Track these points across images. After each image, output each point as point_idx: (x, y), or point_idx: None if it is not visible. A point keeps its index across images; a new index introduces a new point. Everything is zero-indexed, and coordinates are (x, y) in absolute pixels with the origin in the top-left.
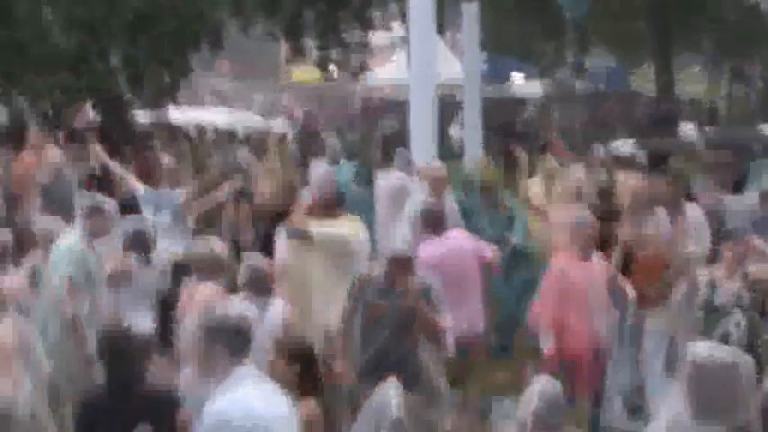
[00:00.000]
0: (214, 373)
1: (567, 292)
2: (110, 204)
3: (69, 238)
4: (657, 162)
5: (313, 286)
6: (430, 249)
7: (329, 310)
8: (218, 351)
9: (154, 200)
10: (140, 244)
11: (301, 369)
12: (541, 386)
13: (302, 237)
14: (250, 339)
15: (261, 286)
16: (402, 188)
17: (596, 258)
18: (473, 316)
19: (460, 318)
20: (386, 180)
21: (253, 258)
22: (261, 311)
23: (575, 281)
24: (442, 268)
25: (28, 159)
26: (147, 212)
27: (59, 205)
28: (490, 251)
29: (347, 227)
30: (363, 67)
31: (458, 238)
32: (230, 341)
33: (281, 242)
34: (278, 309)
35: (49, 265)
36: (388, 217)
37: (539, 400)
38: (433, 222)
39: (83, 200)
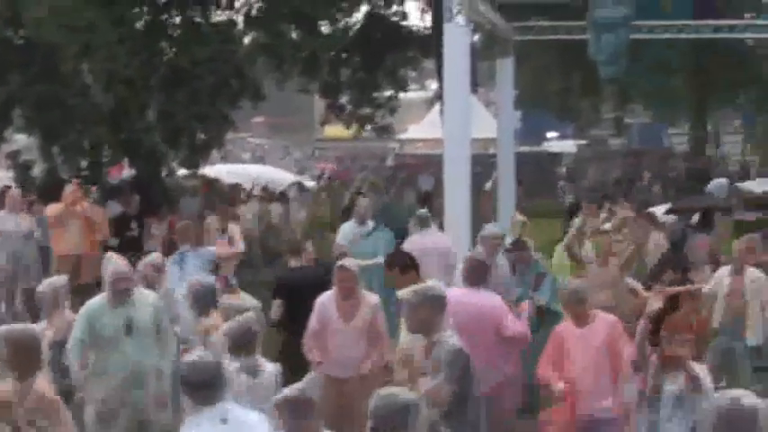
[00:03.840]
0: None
1: (562, 355)
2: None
3: (94, 299)
4: (707, 221)
5: None
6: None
7: None
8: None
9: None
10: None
11: None
12: None
13: None
14: (214, 387)
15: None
16: (449, 251)
17: (603, 321)
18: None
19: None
20: (428, 239)
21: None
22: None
23: (570, 344)
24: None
25: (50, 212)
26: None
27: None
28: (512, 327)
29: None
30: (397, 127)
31: (485, 297)
32: (191, 390)
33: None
34: (270, 369)
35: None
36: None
37: None
38: (475, 275)
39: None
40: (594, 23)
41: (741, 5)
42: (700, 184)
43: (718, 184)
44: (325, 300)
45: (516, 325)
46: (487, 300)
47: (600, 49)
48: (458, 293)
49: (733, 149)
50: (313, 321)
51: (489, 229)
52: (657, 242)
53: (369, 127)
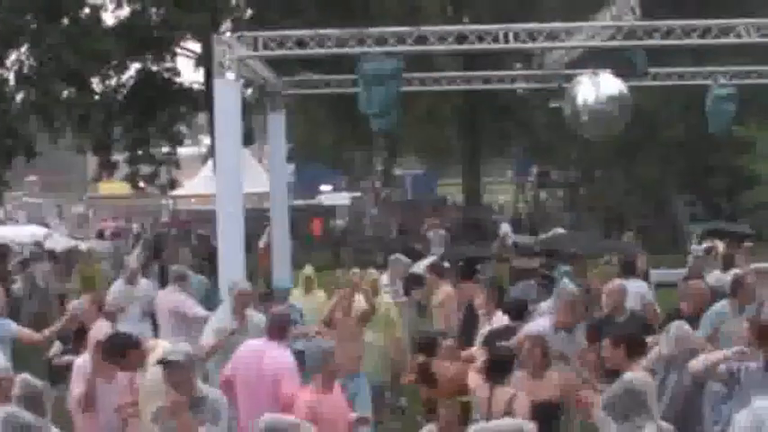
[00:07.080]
0: None
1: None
2: None
3: None
4: (468, 270)
5: None
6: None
7: None
8: None
9: None
10: None
11: None
12: None
13: None
14: None
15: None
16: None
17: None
18: None
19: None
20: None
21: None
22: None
23: (323, 410)
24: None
25: None
26: None
27: None
28: (288, 387)
29: None
30: (172, 182)
31: (261, 350)
32: None
33: None
34: None
35: None
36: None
37: None
38: (279, 329)
39: None
40: (364, 77)
41: (511, 57)
42: (474, 233)
43: (505, 230)
44: (84, 362)
45: (293, 388)
46: (278, 356)
47: (370, 103)
48: (253, 345)
49: (506, 198)
50: (74, 385)
51: (238, 284)
52: (447, 294)
53: (141, 183)
